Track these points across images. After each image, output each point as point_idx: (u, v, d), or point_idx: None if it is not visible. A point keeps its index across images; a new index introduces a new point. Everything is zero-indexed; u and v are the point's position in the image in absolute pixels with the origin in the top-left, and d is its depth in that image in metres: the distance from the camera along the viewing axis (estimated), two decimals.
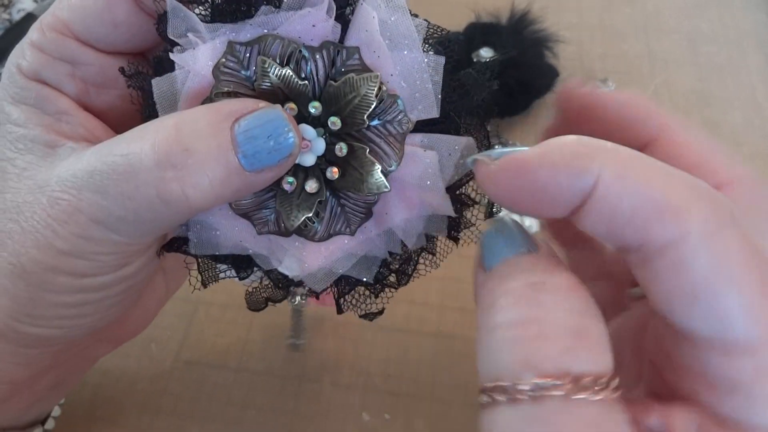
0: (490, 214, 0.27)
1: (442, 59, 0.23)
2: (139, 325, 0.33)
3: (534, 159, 0.18)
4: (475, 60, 0.53)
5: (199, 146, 0.20)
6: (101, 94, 0.26)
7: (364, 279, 0.26)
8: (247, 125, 0.21)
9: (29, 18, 0.60)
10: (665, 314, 0.18)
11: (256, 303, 0.28)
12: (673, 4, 0.62)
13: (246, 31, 0.23)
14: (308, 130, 0.23)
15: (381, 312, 0.28)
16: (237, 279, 0.26)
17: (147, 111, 0.23)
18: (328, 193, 0.24)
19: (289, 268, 0.25)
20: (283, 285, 0.27)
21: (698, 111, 0.54)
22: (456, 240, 0.26)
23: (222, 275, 0.27)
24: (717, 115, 0.53)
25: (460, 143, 0.24)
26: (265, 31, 0.23)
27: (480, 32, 0.54)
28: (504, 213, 0.22)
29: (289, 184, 0.23)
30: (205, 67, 0.22)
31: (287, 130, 0.20)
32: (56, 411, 0.34)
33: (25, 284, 0.23)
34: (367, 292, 0.27)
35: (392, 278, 0.27)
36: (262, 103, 0.21)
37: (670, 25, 0.60)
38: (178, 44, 0.23)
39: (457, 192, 0.25)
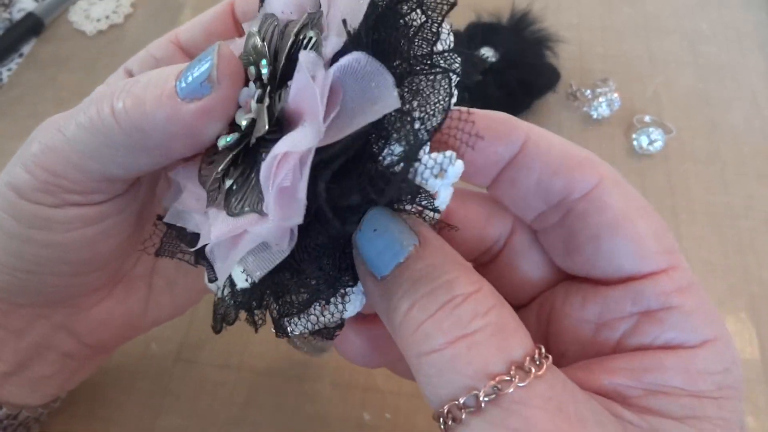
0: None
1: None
2: (121, 327, 0.32)
3: (475, 114, 0.22)
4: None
5: (153, 73, 0.22)
6: None
7: (254, 275, 0.21)
8: (195, 60, 0.22)
9: (29, 17, 0.60)
10: (586, 264, 0.22)
11: (216, 319, 0.26)
12: (673, 4, 0.62)
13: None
14: (246, 90, 0.22)
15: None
16: (205, 276, 0.25)
17: None
18: (253, 167, 0.21)
19: (203, 238, 0.23)
20: (239, 303, 0.23)
21: (698, 111, 0.54)
22: None
23: (179, 255, 0.26)
24: (717, 115, 0.53)
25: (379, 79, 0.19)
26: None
27: (480, 32, 0.54)
28: (374, 208, 0.20)
29: (223, 141, 0.22)
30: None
31: (212, 54, 0.21)
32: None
33: None
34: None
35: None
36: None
37: (670, 25, 0.60)
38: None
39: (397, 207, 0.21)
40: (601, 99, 0.53)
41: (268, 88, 0.21)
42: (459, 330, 0.18)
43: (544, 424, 0.18)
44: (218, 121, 0.22)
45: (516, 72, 0.51)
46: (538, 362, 0.18)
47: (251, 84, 0.22)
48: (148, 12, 0.63)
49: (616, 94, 0.53)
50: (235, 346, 0.41)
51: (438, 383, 0.19)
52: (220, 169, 0.21)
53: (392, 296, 0.20)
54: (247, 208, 0.21)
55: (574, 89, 0.54)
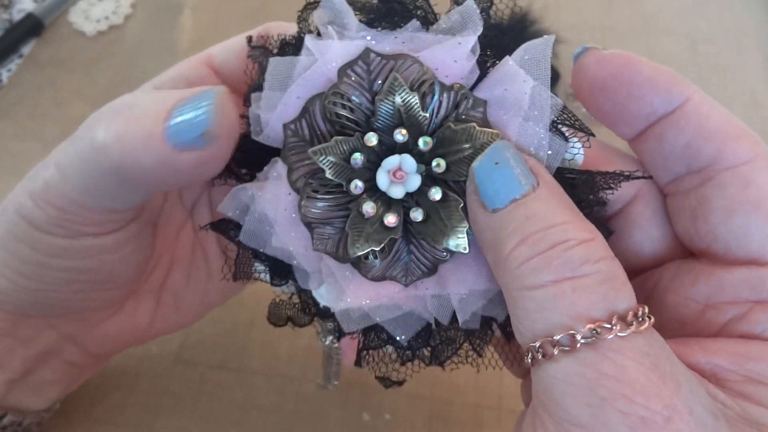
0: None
1: (563, 147, 0.22)
2: (126, 339, 0.32)
3: (642, 61, 0.22)
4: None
5: (143, 105, 0.21)
6: None
7: (398, 338, 0.24)
8: (189, 100, 0.20)
9: (29, 18, 0.60)
10: (708, 236, 0.21)
11: (277, 317, 0.27)
12: (673, 4, 0.62)
13: (387, 42, 0.22)
14: (409, 161, 0.21)
15: (400, 383, 0.26)
16: (270, 284, 0.25)
17: (254, 85, 0.23)
18: (400, 235, 0.22)
19: (323, 296, 0.23)
20: (310, 312, 0.25)
21: None
22: (508, 336, 0.25)
23: (256, 275, 0.25)
24: None
25: None
26: (406, 48, 0.22)
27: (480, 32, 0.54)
28: (499, 140, 0.21)
29: (369, 208, 0.21)
30: (333, 62, 0.21)
31: (210, 102, 0.20)
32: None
33: (2, 220, 0.25)
34: (394, 355, 0.25)
35: (426, 352, 0.24)
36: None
37: (670, 25, 0.60)
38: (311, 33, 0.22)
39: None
40: None
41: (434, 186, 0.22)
42: (568, 272, 0.19)
43: (637, 376, 0.17)
44: (216, 170, 0.21)
45: None
46: (640, 319, 0.18)
47: (406, 155, 0.21)
48: (148, 13, 0.63)
49: None
50: (234, 348, 0.41)
51: (536, 318, 0.19)
52: (378, 249, 0.22)
53: (502, 230, 0.20)
54: (389, 275, 0.22)
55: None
